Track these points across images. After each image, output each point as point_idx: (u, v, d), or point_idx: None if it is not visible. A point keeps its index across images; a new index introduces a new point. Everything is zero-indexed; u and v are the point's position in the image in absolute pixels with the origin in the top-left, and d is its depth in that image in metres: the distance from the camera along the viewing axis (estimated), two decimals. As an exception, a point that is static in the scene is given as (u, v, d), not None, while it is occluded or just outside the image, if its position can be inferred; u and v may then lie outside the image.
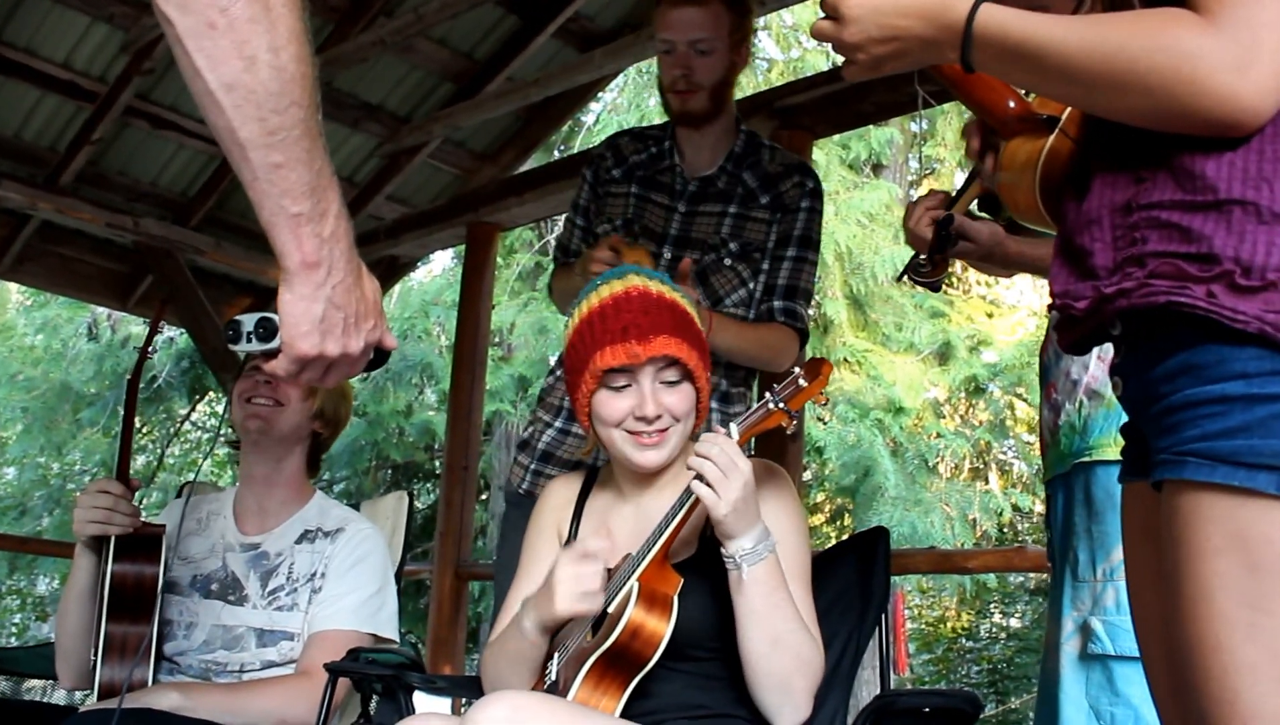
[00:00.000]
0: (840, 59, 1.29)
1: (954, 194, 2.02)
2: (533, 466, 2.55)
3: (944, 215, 1.96)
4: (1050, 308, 1.23)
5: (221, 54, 1.02)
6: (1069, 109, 1.27)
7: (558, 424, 2.54)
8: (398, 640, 2.31)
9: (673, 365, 1.77)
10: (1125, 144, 1.14)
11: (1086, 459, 2.00)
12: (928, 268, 2.00)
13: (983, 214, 2.03)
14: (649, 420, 1.77)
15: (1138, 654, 1.87)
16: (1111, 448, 1.96)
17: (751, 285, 2.52)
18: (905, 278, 2.19)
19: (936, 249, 1.96)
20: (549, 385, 2.63)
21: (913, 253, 2.13)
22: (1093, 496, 1.98)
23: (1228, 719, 1.01)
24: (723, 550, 1.65)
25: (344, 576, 2.26)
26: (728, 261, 2.50)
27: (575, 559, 1.71)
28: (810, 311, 2.55)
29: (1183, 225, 1.06)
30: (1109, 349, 1.27)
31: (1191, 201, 1.06)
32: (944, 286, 2.18)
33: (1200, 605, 1.03)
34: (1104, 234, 1.14)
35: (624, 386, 1.79)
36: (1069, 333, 1.23)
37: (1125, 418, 1.94)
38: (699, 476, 1.62)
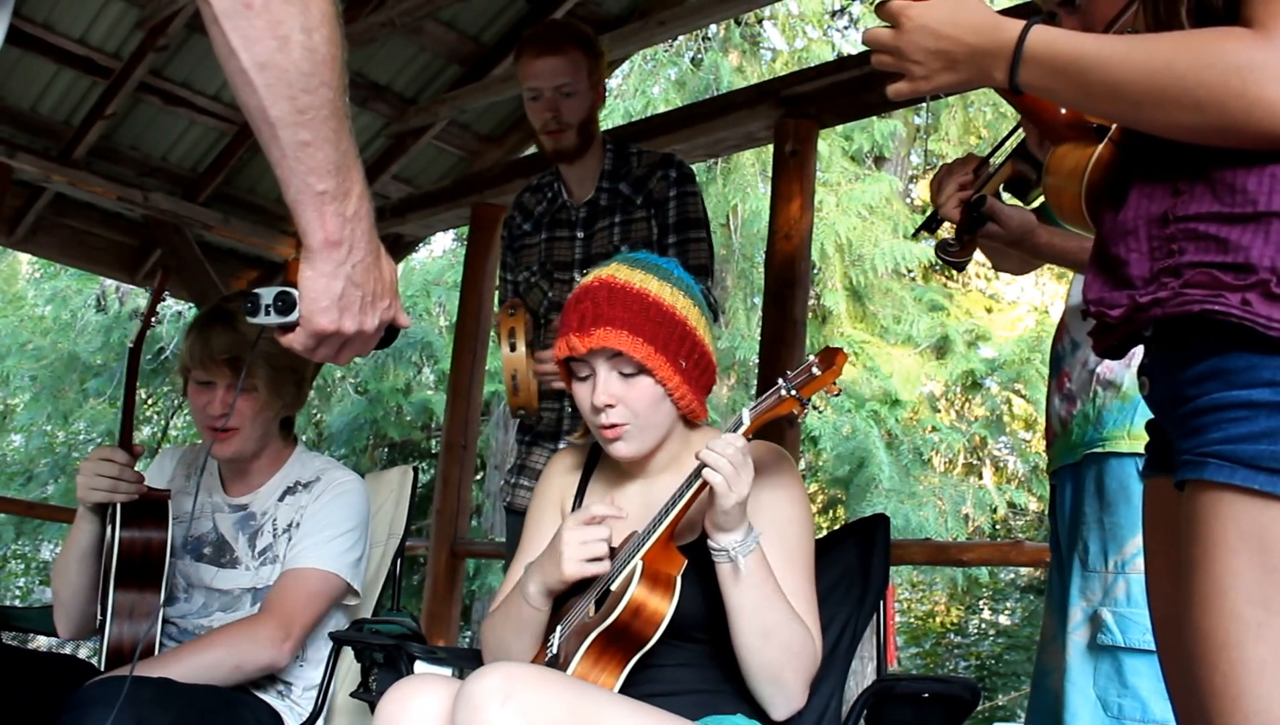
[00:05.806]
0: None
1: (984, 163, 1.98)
2: (514, 481, 2.88)
3: (975, 196, 1.92)
4: (1084, 314, 1.23)
5: (256, 34, 1.05)
6: None
7: (526, 438, 2.89)
8: (360, 591, 2.31)
9: (625, 358, 1.75)
10: (1163, 156, 1.14)
11: (1099, 450, 1.96)
12: (956, 247, 1.95)
13: (1008, 195, 1.99)
14: (598, 410, 1.77)
15: (1148, 647, 1.81)
16: (1125, 440, 1.93)
17: None
18: (920, 234, 2.17)
19: (966, 229, 1.92)
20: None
21: (929, 213, 2.05)
22: (1105, 487, 1.94)
23: (1229, 714, 1.01)
24: (712, 544, 1.64)
25: (316, 517, 2.26)
26: None
27: (581, 523, 1.73)
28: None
29: (1220, 236, 1.06)
30: None
31: (1230, 213, 1.06)
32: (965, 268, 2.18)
33: (1212, 601, 1.03)
34: (1140, 244, 1.14)
35: (585, 376, 1.80)
36: (1103, 339, 1.23)
37: (1140, 411, 1.90)
38: (710, 466, 1.61)
